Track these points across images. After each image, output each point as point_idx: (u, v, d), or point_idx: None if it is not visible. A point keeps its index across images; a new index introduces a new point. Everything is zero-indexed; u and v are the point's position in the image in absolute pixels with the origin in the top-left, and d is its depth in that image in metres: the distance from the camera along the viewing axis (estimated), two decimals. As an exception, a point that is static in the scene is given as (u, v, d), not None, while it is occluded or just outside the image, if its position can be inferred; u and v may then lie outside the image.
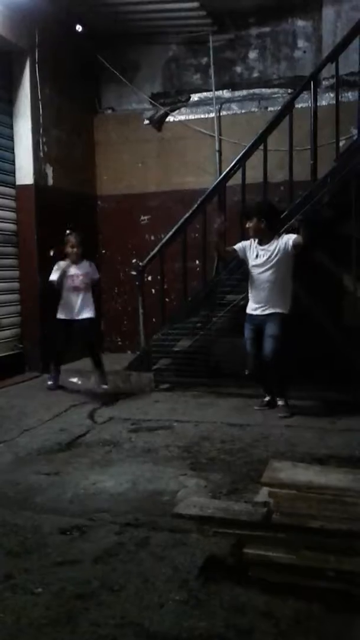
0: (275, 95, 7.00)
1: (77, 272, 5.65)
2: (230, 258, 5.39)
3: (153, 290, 6.61)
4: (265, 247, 4.79)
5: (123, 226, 7.54)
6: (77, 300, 5.64)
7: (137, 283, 6.35)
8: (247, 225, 4.86)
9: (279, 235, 4.84)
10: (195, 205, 5.90)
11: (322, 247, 5.46)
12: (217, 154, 7.09)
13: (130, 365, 6.16)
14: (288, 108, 5.60)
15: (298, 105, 5.77)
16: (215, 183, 5.92)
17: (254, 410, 5.00)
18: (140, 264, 6.30)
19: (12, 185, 6.49)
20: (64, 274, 5.59)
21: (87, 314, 5.68)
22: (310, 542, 2.43)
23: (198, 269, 6.31)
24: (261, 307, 4.81)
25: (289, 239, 4.73)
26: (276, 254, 4.74)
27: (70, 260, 5.66)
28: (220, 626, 2.06)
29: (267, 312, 4.78)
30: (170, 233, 6.00)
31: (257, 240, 4.84)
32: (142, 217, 7.51)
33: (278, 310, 4.76)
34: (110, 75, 7.39)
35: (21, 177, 6.51)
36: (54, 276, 5.60)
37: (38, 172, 6.54)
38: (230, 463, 3.74)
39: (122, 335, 7.65)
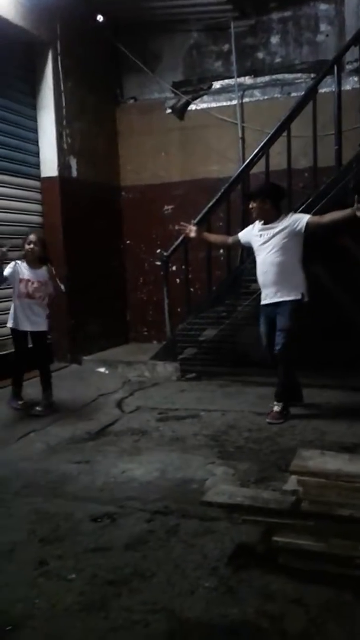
0: (298, 81, 6.90)
1: (31, 276, 4.81)
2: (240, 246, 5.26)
3: (178, 280, 6.62)
4: (270, 226, 4.48)
5: (147, 216, 7.54)
6: (28, 309, 4.80)
7: (161, 273, 6.38)
8: (250, 207, 4.64)
9: (291, 213, 4.58)
10: (219, 194, 5.87)
11: (348, 232, 5.40)
12: (240, 142, 7.02)
13: (156, 355, 6.20)
14: (311, 93, 5.53)
15: (321, 90, 5.69)
16: (238, 171, 5.88)
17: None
18: (165, 253, 6.32)
19: (37, 177, 6.53)
20: (16, 275, 4.77)
21: (41, 326, 4.88)
22: (339, 530, 2.44)
23: (222, 257, 6.30)
24: (270, 294, 4.48)
25: (300, 219, 4.42)
26: (282, 235, 4.42)
27: (26, 260, 4.84)
28: (251, 612, 2.09)
29: (275, 299, 4.45)
30: (194, 222, 5.98)
31: (261, 222, 4.57)
32: (166, 207, 7.50)
33: (288, 297, 4.40)
34: (131, 65, 7.36)
35: (45, 169, 6.54)
36: (6, 271, 4.77)
37: (62, 164, 6.57)
38: (258, 451, 3.76)
39: (147, 326, 7.68)
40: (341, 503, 2.53)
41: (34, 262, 4.87)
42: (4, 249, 4.73)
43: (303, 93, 5.77)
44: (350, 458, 2.87)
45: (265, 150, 5.62)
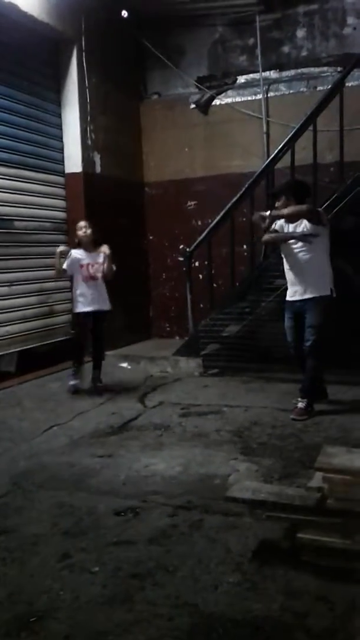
0: (325, 74, 6.83)
1: (90, 260, 5.23)
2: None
3: (200, 276, 6.61)
4: (295, 225, 4.46)
5: (170, 212, 7.53)
6: (94, 290, 5.21)
7: (184, 269, 6.37)
8: (276, 205, 4.59)
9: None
10: (243, 189, 5.85)
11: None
12: (264, 136, 6.98)
13: (179, 350, 6.19)
14: (338, 87, 5.48)
15: (348, 84, 5.63)
16: (263, 166, 5.84)
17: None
18: (188, 249, 6.31)
19: (61, 173, 6.57)
20: (76, 262, 5.20)
21: (105, 305, 5.28)
22: (365, 527, 2.41)
23: (246, 253, 6.25)
24: (297, 291, 4.46)
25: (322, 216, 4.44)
26: (307, 232, 4.39)
27: (82, 246, 5.26)
28: (275, 609, 2.07)
29: (305, 296, 4.42)
30: (218, 218, 5.97)
31: (288, 221, 4.52)
32: (189, 203, 7.49)
33: (317, 294, 4.38)
34: (155, 60, 7.36)
35: (70, 165, 6.58)
36: (65, 264, 5.21)
37: (86, 159, 6.60)
38: (282, 448, 3.73)
39: (170, 321, 7.69)
40: (367, 500, 2.50)
41: (89, 245, 5.24)
42: (68, 248, 5.30)
43: (329, 87, 5.71)
44: (377, 455, 2.83)
45: (290, 144, 5.58)
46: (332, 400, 4.71)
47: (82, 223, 5.34)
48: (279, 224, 4.61)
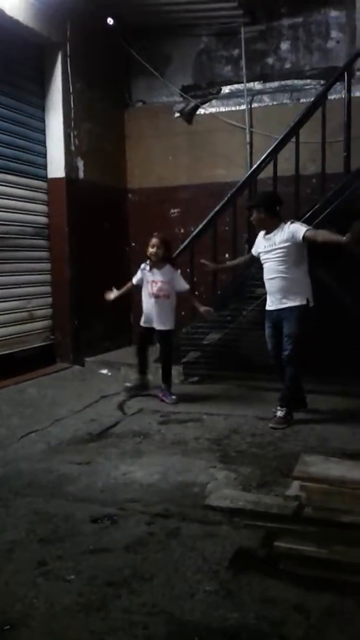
0: (308, 87, 6.91)
1: (156, 277, 5.17)
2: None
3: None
4: (271, 236, 4.54)
5: (153, 219, 7.53)
6: (153, 308, 5.16)
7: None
8: (251, 219, 4.72)
9: (289, 223, 4.52)
10: (226, 198, 5.87)
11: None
12: (248, 147, 7.04)
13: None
14: (321, 99, 5.54)
15: (331, 97, 5.70)
16: (246, 176, 5.88)
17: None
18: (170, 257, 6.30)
19: (44, 178, 6.54)
20: (144, 279, 5.24)
21: (165, 325, 5.18)
22: (342, 536, 2.42)
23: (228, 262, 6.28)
24: (275, 301, 4.52)
25: (298, 231, 4.40)
26: (281, 242, 4.45)
27: (150, 262, 5.19)
28: (251, 617, 2.07)
29: (282, 306, 4.48)
30: (201, 226, 5.99)
31: (264, 232, 4.64)
32: (172, 210, 7.51)
33: (293, 303, 4.43)
34: (141, 68, 7.39)
35: (53, 170, 6.56)
36: (134, 279, 5.34)
37: (69, 165, 6.58)
38: (261, 456, 3.74)
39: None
40: (344, 510, 2.51)
41: (158, 262, 5.17)
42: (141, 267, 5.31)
43: (312, 99, 5.77)
44: (354, 464, 2.85)
45: (273, 155, 5.62)
46: (311, 410, 4.74)
47: (154, 240, 5.21)
48: (257, 239, 4.74)
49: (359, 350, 5.34)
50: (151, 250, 5.15)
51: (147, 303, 5.21)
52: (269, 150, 5.67)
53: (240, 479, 3.32)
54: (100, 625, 2.05)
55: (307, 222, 5.02)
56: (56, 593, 2.25)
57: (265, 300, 4.74)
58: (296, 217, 5.30)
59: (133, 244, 7.71)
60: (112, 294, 5.32)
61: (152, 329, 5.23)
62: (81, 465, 3.60)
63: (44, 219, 6.56)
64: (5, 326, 5.99)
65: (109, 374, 6.20)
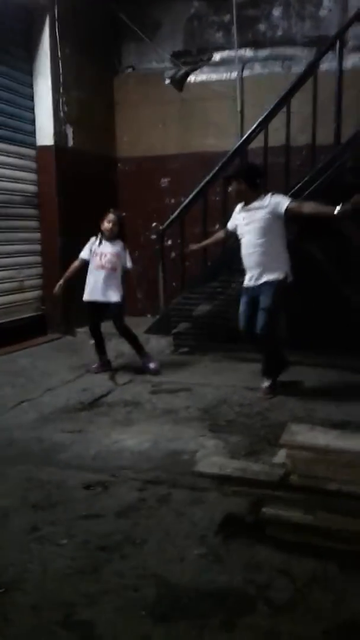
0: (299, 55, 6.82)
1: (105, 249, 5.10)
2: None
3: (173, 254, 6.62)
4: (250, 207, 4.42)
5: (143, 189, 7.49)
6: (100, 281, 5.06)
7: (157, 247, 6.37)
8: (229, 190, 4.63)
9: (270, 195, 4.41)
10: (216, 168, 5.83)
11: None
12: (239, 116, 6.97)
13: (150, 328, 6.22)
14: (312, 69, 5.48)
15: (322, 67, 5.63)
16: (236, 145, 5.84)
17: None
18: (160, 227, 6.30)
19: (33, 146, 6.46)
20: (93, 250, 5.13)
21: (112, 297, 5.09)
22: (327, 503, 2.50)
23: (218, 233, 6.28)
24: (253, 276, 4.42)
25: (280, 203, 4.31)
26: (263, 216, 4.35)
27: (105, 236, 5.14)
28: (238, 580, 2.15)
29: (260, 281, 4.38)
30: (191, 196, 5.96)
31: (242, 204, 4.54)
32: (163, 180, 7.46)
33: (270, 278, 4.34)
34: (130, 33, 7.25)
35: (41, 137, 6.47)
36: (83, 254, 5.19)
37: (58, 132, 6.50)
38: (249, 426, 3.81)
39: (141, 299, 7.69)
40: (329, 477, 2.58)
41: (110, 238, 5.14)
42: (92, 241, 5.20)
43: (304, 69, 5.70)
44: (339, 434, 2.92)
45: (264, 125, 5.58)
46: (299, 382, 4.80)
47: (111, 217, 5.15)
48: (234, 214, 4.65)
49: (345, 324, 5.39)
50: (107, 225, 5.11)
51: (95, 275, 5.09)
52: (259, 120, 5.62)
53: (228, 447, 3.39)
54: (93, 587, 2.12)
55: (296, 194, 5.03)
56: (49, 557, 2.31)
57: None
58: (286, 188, 5.30)
59: (123, 214, 7.64)
60: (58, 286, 5.20)
61: (97, 303, 5.11)
62: (73, 434, 3.65)
63: (33, 188, 6.50)
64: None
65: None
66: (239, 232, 4.57)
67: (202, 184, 5.88)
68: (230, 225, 4.77)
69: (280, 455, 2.91)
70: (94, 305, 5.14)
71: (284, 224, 4.41)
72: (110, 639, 1.86)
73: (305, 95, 5.50)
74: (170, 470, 3.07)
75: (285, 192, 5.14)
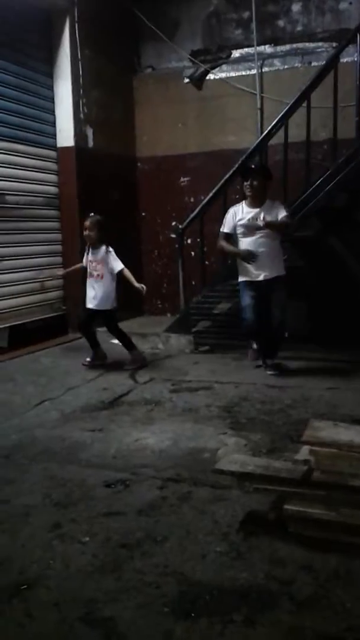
0: (320, 50, 6.76)
1: (92, 257, 5.21)
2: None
3: (192, 253, 6.60)
4: (257, 208, 4.74)
5: (163, 188, 7.50)
6: (92, 287, 5.19)
7: (176, 246, 6.36)
8: (249, 184, 4.77)
9: (274, 202, 4.85)
10: (236, 166, 5.81)
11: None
12: (258, 112, 6.93)
13: (170, 327, 6.22)
14: (333, 63, 5.42)
15: (343, 60, 5.57)
16: (256, 142, 5.81)
17: (293, 372, 5.00)
18: (180, 226, 6.29)
19: (53, 147, 6.51)
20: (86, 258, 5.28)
21: (102, 305, 5.19)
22: (350, 499, 2.46)
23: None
24: (259, 273, 4.77)
25: (281, 211, 4.73)
26: (270, 218, 4.69)
27: (91, 244, 5.23)
28: (261, 577, 2.12)
29: (270, 277, 4.76)
30: (211, 195, 5.95)
31: (246, 202, 4.81)
32: (182, 179, 7.45)
33: (279, 273, 4.79)
34: (149, 33, 7.26)
35: (62, 139, 6.52)
36: (84, 260, 5.34)
37: (79, 133, 6.54)
38: (270, 423, 3.77)
39: (162, 298, 7.70)
40: (353, 473, 2.55)
41: (94, 243, 5.21)
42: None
43: (324, 63, 5.65)
44: (363, 430, 2.88)
45: (284, 121, 5.54)
46: (322, 378, 4.76)
47: (86, 223, 5.22)
48: (230, 215, 4.88)
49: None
50: (84, 233, 5.20)
51: (89, 283, 5.24)
52: (279, 116, 5.59)
53: (250, 444, 3.36)
54: (114, 585, 2.12)
55: (318, 188, 5.04)
56: (71, 554, 2.31)
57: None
58: (307, 184, 5.29)
59: (143, 214, 7.68)
60: (62, 272, 5.42)
61: (94, 309, 5.23)
62: (94, 432, 3.66)
63: (54, 189, 6.55)
64: (17, 297, 6.05)
65: (120, 343, 6.24)
66: (242, 229, 4.81)
67: (221, 182, 5.86)
68: (229, 230, 4.92)
69: (303, 452, 2.88)
70: (90, 310, 5.29)
71: None
72: (132, 636, 1.85)
73: (325, 90, 5.44)
74: (191, 468, 3.06)
75: (306, 188, 5.16)
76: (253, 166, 4.97)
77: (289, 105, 5.54)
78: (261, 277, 4.78)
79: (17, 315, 6.04)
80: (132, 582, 2.13)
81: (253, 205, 4.77)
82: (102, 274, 5.15)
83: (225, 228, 4.93)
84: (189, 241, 6.52)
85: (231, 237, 4.96)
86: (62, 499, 2.78)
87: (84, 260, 5.32)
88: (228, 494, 2.75)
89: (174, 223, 6.99)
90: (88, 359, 5.38)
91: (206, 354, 5.85)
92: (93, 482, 2.93)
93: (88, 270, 5.23)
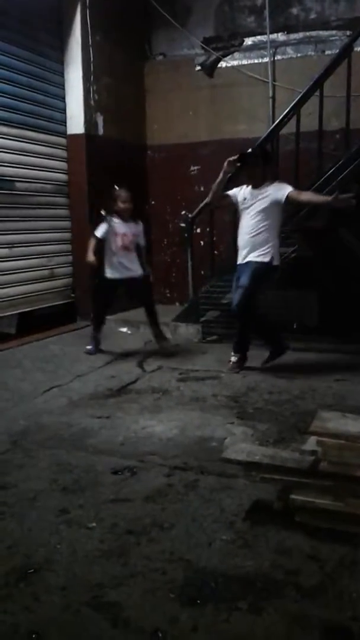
0: (333, 38, 6.68)
1: (126, 230, 5.28)
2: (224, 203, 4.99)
3: (202, 242, 6.58)
4: (257, 191, 4.61)
5: (173, 176, 7.46)
6: (123, 260, 5.26)
7: (185, 235, 6.34)
8: (249, 170, 4.69)
9: (276, 182, 4.68)
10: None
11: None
12: (270, 101, 6.87)
13: (179, 316, 6.21)
14: (346, 51, 5.36)
15: (357, 49, 5.51)
16: (268, 131, 5.76)
17: (301, 362, 4.98)
18: (190, 215, 6.27)
19: (64, 134, 6.49)
20: (111, 231, 5.26)
21: (139, 271, 5.35)
22: (357, 490, 2.46)
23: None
24: (242, 254, 4.68)
25: (283, 189, 4.54)
26: (266, 201, 4.56)
27: (122, 217, 5.28)
28: (267, 566, 2.13)
29: (245, 260, 4.66)
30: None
31: (250, 186, 4.68)
32: (192, 168, 7.41)
33: (255, 259, 4.59)
34: (161, 20, 7.18)
35: (72, 126, 6.49)
36: (99, 232, 5.26)
37: (89, 121, 6.50)
38: (277, 413, 3.78)
39: (170, 287, 7.68)
40: (360, 465, 2.54)
41: (127, 217, 5.28)
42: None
43: (338, 51, 5.59)
44: (371, 421, 2.87)
45: (296, 110, 5.49)
46: (329, 369, 4.75)
47: (124, 195, 5.27)
48: (237, 189, 4.74)
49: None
50: (123, 205, 5.24)
51: (116, 256, 5.25)
52: (291, 105, 5.53)
53: (257, 434, 3.37)
54: (120, 570, 2.13)
55: (329, 178, 4.98)
56: (78, 540, 2.33)
57: (285, 259, 4.75)
58: (319, 173, 5.24)
59: (152, 202, 7.65)
60: (91, 257, 5.23)
61: (118, 281, 5.27)
62: (102, 419, 3.67)
63: (63, 176, 6.53)
64: (27, 284, 6.06)
65: (129, 332, 6.26)
66: (239, 210, 4.72)
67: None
68: (232, 195, 4.77)
69: (310, 443, 2.87)
70: (117, 282, 5.29)
71: (282, 212, 4.65)
72: (137, 621, 1.87)
73: (339, 79, 5.39)
74: (198, 457, 3.07)
75: (318, 177, 5.10)
76: (247, 154, 4.82)
77: (301, 94, 5.48)
78: (239, 259, 4.72)
79: (26, 302, 6.05)
80: (138, 568, 2.14)
81: (254, 187, 4.63)
82: (133, 247, 5.30)
83: (230, 191, 4.78)
84: (198, 230, 6.49)
85: (225, 199, 4.82)
86: (70, 484, 2.80)
87: (101, 233, 5.24)
88: (235, 482, 2.75)
89: (183, 212, 6.95)
90: (89, 347, 5.37)
91: (214, 343, 5.85)
92: (100, 469, 2.94)
93: (118, 243, 5.23)
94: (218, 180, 4.66)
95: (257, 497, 2.60)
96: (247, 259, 4.63)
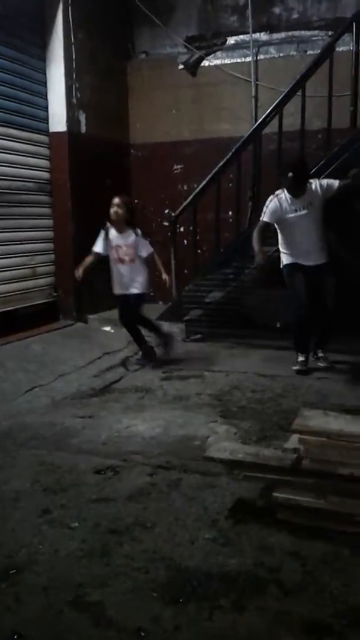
0: (315, 38, 6.71)
1: (119, 242, 4.98)
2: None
3: (185, 241, 6.57)
4: (303, 197, 4.62)
5: (156, 175, 7.44)
6: (123, 273, 5.01)
7: (169, 234, 6.33)
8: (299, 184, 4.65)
9: (313, 182, 4.70)
10: (230, 154, 5.79)
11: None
12: (253, 100, 6.88)
13: (162, 315, 6.20)
14: (328, 51, 5.39)
15: (338, 49, 5.54)
16: (250, 130, 5.78)
17: (284, 361, 5.00)
18: (173, 214, 6.26)
19: (46, 132, 6.43)
20: (109, 243, 4.99)
21: (133, 289, 5.03)
22: (338, 488, 2.48)
23: (231, 219, 6.23)
24: (314, 257, 4.72)
25: (332, 184, 4.64)
26: (318, 203, 4.64)
27: (114, 226, 4.99)
28: (249, 564, 2.14)
29: (319, 262, 4.73)
30: (204, 183, 5.92)
31: (288, 195, 4.63)
32: (175, 166, 7.40)
33: (327, 260, 4.77)
34: (144, 18, 7.16)
35: (54, 124, 6.43)
36: (96, 245, 5.05)
37: (71, 119, 6.45)
38: (260, 412, 3.79)
39: (154, 286, 7.61)
40: (341, 462, 2.56)
41: (120, 225, 4.97)
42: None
43: (319, 51, 5.62)
44: (352, 419, 2.90)
45: (278, 109, 5.51)
46: (311, 368, 4.77)
47: (116, 200, 4.99)
48: (275, 205, 4.67)
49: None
50: (112, 210, 4.95)
51: (117, 269, 5.03)
52: (274, 105, 5.55)
53: (240, 433, 3.38)
54: (103, 570, 2.13)
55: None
56: (60, 540, 2.32)
57: (268, 258, 4.75)
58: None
59: (136, 201, 7.61)
60: (78, 272, 5.11)
61: (126, 295, 5.08)
62: (84, 419, 3.66)
63: (46, 175, 6.48)
64: (8, 283, 5.99)
65: (112, 331, 6.23)
66: (288, 220, 4.67)
67: (215, 170, 5.83)
68: (270, 220, 4.73)
69: (292, 441, 2.89)
70: (123, 297, 5.09)
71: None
72: (120, 620, 1.86)
73: (320, 79, 5.41)
74: (181, 456, 3.07)
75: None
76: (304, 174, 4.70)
77: (284, 94, 5.50)
78: (311, 262, 4.71)
79: (8, 301, 5.99)
80: (121, 567, 2.14)
81: (297, 195, 4.61)
82: (134, 257, 4.98)
83: (268, 218, 4.73)
84: (181, 229, 6.49)
85: (268, 228, 4.82)
86: (52, 484, 2.78)
87: (100, 247, 5.03)
88: (218, 481, 2.76)
89: (167, 210, 6.95)
90: (138, 357, 5.21)
91: (198, 342, 5.85)
92: (83, 468, 2.93)
93: (115, 256, 4.99)
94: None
95: (240, 495, 2.61)
96: (322, 261, 4.74)
